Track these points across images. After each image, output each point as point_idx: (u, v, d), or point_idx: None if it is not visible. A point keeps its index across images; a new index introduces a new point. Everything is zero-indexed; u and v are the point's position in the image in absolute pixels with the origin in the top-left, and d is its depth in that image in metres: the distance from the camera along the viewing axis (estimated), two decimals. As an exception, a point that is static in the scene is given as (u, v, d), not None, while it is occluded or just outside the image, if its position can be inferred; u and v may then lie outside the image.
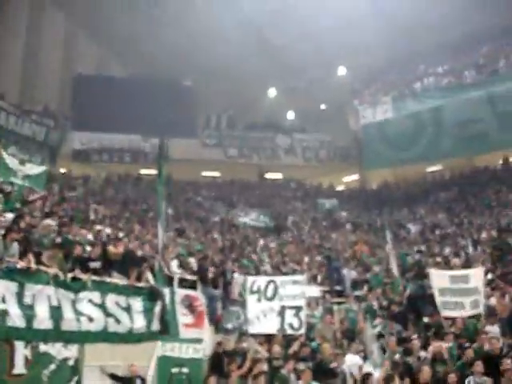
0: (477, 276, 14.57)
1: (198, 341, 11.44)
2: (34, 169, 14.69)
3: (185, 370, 10.63)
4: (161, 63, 40.36)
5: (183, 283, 14.89)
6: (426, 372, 10.70)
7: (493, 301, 14.83)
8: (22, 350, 9.97)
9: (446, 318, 14.30)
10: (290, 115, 48.23)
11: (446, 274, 15.17)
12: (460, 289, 14.39)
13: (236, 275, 17.26)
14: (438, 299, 14.57)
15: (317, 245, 24.87)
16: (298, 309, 13.24)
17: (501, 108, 30.38)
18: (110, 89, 40.49)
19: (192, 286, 15.01)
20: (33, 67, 39.69)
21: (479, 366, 10.63)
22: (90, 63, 44.28)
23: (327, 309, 16.64)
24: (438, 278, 14.97)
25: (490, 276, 16.19)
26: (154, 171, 40.17)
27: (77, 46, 44.08)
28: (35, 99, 39.18)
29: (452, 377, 10.62)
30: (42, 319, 10.49)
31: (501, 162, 35.11)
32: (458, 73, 34.09)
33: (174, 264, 15.66)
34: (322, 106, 45.84)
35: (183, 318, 13.59)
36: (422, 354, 12.37)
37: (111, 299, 12.03)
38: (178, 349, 10.74)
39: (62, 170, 35.88)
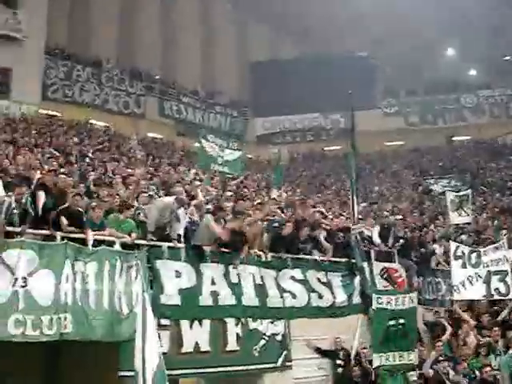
0: None
1: (411, 291, 11.69)
2: (232, 154, 15.11)
3: (401, 320, 10.85)
4: (329, 36, 40.18)
5: (379, 256, 14.62)
6: None
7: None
8: (233, 328, 10.62)
9: None
10: (472, 72, 45.45)
11: None
12: None
13: (435, 245, 16.58)
14: None
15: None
16: (504, 273, 12.64)
17: None
18: (286, 71, 41.10)
19: (387, 258, 14.71)
20: (210, 60, 41.52)
21: None
22: (262, 47, 45.40)
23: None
24: None
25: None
26: (336, 147, 40.53)
27: (247, 32, 45.38)
28: (216, 90, 41.08)
29: None
30: (250, 297, 11.11)
31: None
32: None
33: (375, 233, 15.21)
34: (506, 57, 42.57)
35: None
36: None
37: (312, 275, 12.38)
38: (394, 300, 11.00)
39: (249, 156, 37.18)
